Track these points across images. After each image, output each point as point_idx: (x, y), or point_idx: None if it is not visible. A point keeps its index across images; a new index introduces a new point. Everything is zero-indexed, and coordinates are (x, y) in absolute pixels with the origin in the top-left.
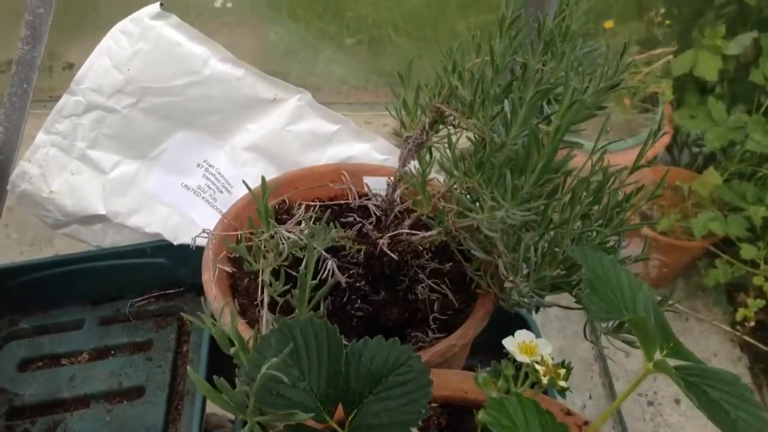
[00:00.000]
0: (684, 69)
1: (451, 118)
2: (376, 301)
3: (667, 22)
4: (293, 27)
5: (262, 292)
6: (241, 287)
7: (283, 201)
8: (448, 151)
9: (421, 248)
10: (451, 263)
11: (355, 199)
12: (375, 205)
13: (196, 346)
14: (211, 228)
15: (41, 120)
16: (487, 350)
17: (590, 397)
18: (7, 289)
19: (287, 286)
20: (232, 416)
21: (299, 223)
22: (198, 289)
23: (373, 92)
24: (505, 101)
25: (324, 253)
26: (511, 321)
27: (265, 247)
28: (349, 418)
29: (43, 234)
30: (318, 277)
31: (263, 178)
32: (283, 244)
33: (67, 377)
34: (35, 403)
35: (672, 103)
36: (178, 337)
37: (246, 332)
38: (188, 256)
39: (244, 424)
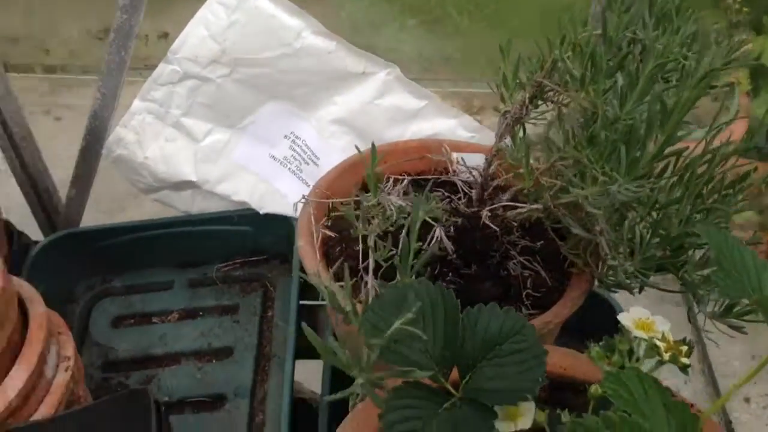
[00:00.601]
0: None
1: (551, 93)
2: (468, 274)
3: (745, 9)
4: (360, 5)
5: (363, 259)
6: (332, 255)
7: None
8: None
9: (514, 224)
10: (542, 241)
11: (442, 174)
12: (463, 180)
13: (281, 312)
14: (300, 197)
15: (136, 88)
16: (563, 332)
17: (685, 382)
18: (101, 249)
19: (392, 252)
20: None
21: (406, 192)
22: (281, 257)
23: (434, 71)
24: (618, 75)
25: (430, 220)
26: (587, 303)
27: (370, 213)
28: (464, 381)
29: (116, 203)
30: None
31: (373, 145)
32: (391, 210)
33: (158, 335)
34: (129, 357)
35: (749, 93)
36: (263, 303)
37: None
38: (272, 225)
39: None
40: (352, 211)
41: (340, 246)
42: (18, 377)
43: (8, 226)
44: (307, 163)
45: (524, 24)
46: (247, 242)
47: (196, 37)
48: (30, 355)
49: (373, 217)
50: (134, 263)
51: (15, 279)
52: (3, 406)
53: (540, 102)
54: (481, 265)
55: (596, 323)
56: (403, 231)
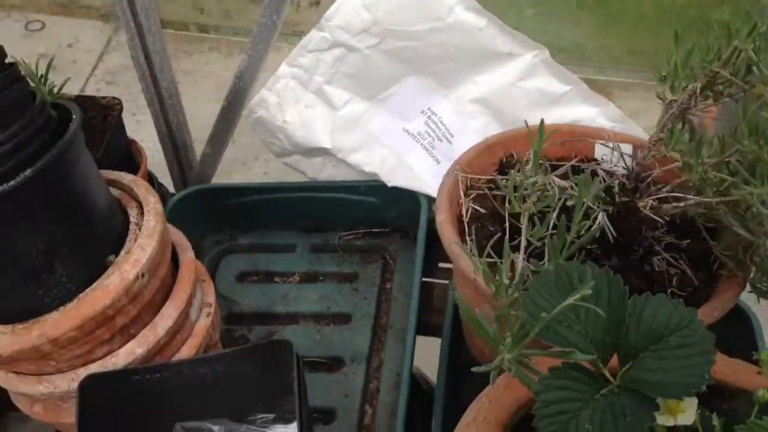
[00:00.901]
0: None
1: (725, 84)
2: (609, 266)
3: None
4: None
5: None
6: (468, 232)
7: (511, 155)
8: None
9: (663, 219)
10: (688, 240)
11: (583, 162)
12: (605, 170)
13: (400, 285)
14: (429, 173)
15: (281, 53)
16: None
17: None
18: (231, 206)
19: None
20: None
21: (565, 175)
22: (403, 232)
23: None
24: None
25: (591, 205)
26: None
27: (528, 190)
28: (623, 369)
29: (223, 167)
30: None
31: (542, 121)
32: (552, 189)
33: (281, 294)
34: (251, 312)
35: None
36: (382, 274)
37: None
38: (399, 198)
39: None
40: (512, 188)
41: (477, 224)
42: (168, 316)
43: (151, 176)
44: (441, 140)
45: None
46: (371, 213)
47: (350, 5)
48: (179, 297)
49: (527, 196)
50: (260, 223)
51: (169, 225)
52: (153, 342)
53: (709, 93)
54: (622, 257)
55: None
56: (553, 212)
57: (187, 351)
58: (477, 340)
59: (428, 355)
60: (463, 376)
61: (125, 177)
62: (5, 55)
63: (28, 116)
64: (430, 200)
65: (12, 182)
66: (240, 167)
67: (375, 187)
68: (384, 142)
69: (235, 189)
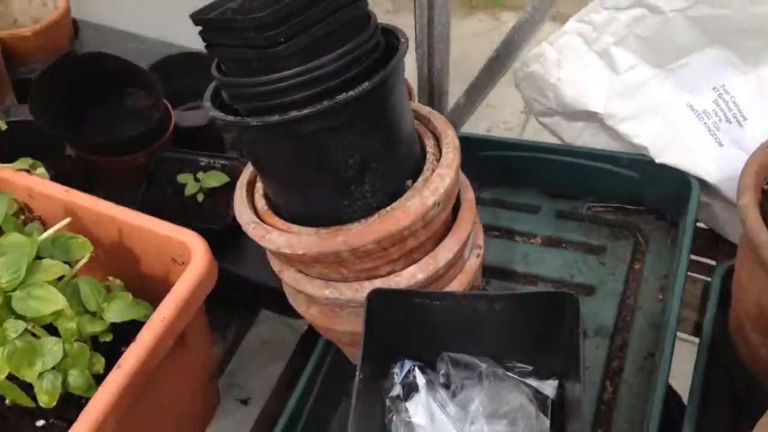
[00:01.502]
0: None
1: None
2: None
3: None
4: None
5: None
6: None
7: None
8: None
9: None
10: None
11: None
12: None
13: (652, 267)
14: (709, 158)
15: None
16: None
17: None
18: (480, 159)
19: None
20: None
21: None
22: (659, 213)
23: None
24: None
25: None
26: None
27: None
28: None
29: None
30: None
31: None
32: None
33: (521, 253)
34: (492, 265)
35: None
36: (632, 253)
37: None
38: (663, 177)
39: None
40: None
41: None
42: (449, 248)
43: None
44: (729, 122)
45: None
46: (628, 188)
47: None
48: (460, 233)
49: None
50: (507, 180)
51: None
52: (433, 270)
53: None
54: None
55: None
56: None
57: (455, 286)
58: (754, 336)
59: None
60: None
61: (423, 108)
62: None
63: (366, 34)
64: (702, 184)
65: (351, 92)
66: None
67: (639, 162)
68: (662, 115)
69: (489, 141)
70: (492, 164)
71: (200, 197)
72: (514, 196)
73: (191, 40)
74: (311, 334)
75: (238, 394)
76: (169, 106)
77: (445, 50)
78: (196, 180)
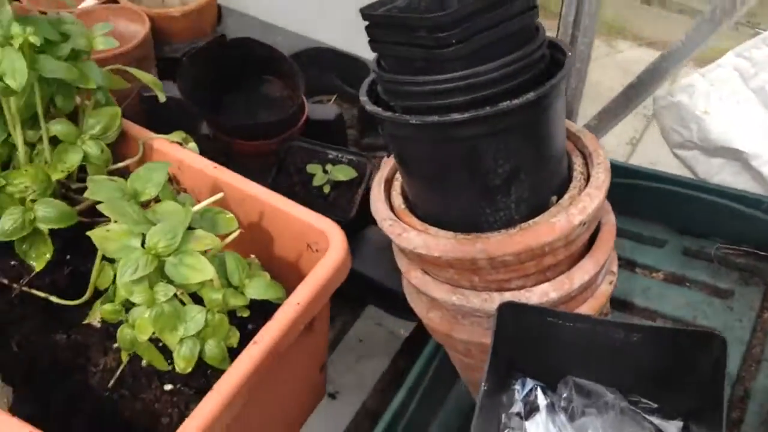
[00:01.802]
0: None
1: None
2: None
3: None
4: None
5: None
6: None
7: None
8: None
9: None
10: None
11: None
12: None
13: None
14: None
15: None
16: None
17: None
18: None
19: None
20: None
21: None
22: None
23: None
24: None
25: None
26: None
27: None
28: None
29: None
30: None
31: None
32: None
33: (641, 287)
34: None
35: None
36: (761, 301)
37: None
38: None
39: None
40: None
41: None
42: (585, 270)
43: None
44: None
45: None
46: (762, 233)
47: None
48: (598, 255)
49: None
50: (632, 208)
51: None
52: (567, 291)
53: None
54: None
55: None
56: None
57: (584, 310)
58: None
59: None
60: None
61: (573, 126)
62: None
63: (534, 44)
64: None
65: (516, 100)
66: None
67: None
68: None
69: (622, 168)
70: (617, 191)
71: (326, 189)
72: (639, 227)
73: (328, 36)
74: (419, 336)
75: (328, 388)
76: (304, 97)
77: (583, 71)
78: (325, 172)
